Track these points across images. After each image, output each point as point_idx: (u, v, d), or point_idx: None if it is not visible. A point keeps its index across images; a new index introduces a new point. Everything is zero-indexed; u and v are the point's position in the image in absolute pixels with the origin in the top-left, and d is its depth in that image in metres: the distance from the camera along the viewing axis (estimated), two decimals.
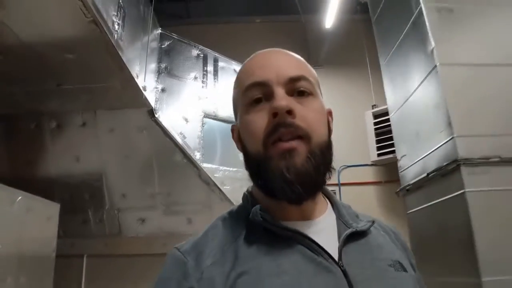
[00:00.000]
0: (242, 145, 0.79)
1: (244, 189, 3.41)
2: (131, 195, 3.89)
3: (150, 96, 3.60)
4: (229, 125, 3.50)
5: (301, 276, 0.64)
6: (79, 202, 3.92)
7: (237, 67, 4.62)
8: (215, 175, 3.87)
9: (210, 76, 4.29)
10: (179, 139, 3.71)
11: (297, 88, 0.73)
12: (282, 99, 0.69)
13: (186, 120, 3.92)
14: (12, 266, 2.55)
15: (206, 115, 4.07)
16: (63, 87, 3.21)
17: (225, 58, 4.52)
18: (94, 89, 3.28)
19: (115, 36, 2.72)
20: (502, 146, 2.49)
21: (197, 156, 3.82)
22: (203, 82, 4.20)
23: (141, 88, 3.31)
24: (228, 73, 4.51)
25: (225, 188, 3.87)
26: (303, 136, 0.69)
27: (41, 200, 3.00)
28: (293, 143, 0.68)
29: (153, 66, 3.80)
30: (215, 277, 0.64)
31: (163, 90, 3.85)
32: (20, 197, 2.69)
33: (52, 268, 3.07)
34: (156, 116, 3.59)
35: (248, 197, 0.81)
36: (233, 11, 5.58)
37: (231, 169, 4.05)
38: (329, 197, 0.85)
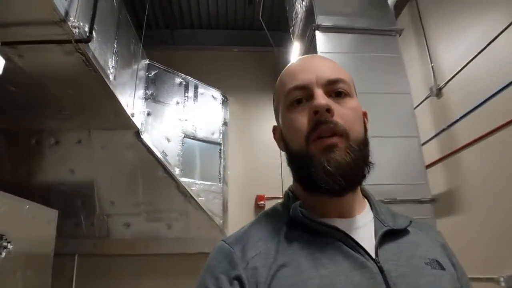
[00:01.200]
0: (284, 143, 0.83)
1: (217, 201, 4.29)
2: (119, 203, 4.51)
3: (138, 119, 4.23)
4: (206, 144, 4.21)
5: (338, 270, 0.67)
6: (72, 207, 4.52)
7: (215, 93, 5.29)
8: (192, 188, 4.50)
9: (191, 101, 4.94)
10: (161, 157, 4.34)
11: (335, 90, 0.78)
12: (322, 98, 0.74)
13: (168, 140, 4.56)
14: (21, 262, 3.15)
15: (186, 136, 4.71)
16: (63, 112, 3.83)
17: (204, 85, 5.17)
18: (89, 114, 3.90)
19: (110, 77, 3.35)
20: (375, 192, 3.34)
21: (176, 171, 4.46)
22: (184, 106, 4.84)
23: (130, 115, 3.94)
24: (207, 98, 5.17)
25: (200, 199, 4.52)
26: (341, 132, 0.73)
27: (43, 208, 3.60)
28: (333, 139, 0.72)
29: (141, 92, 4.43)
30: (259, 267, 0.69)
31: (148, 114, 4.48)
32: (28, 206, 3.30)
33: (51, 265, 3.66)
34: (142, 136, 4.21)
35: (290, 195, 0.84)
36: (214, 40, 6.26)
37: (206, 183, 4.70)
38: (367, 196, 0.88)
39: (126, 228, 4.60)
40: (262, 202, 5.39)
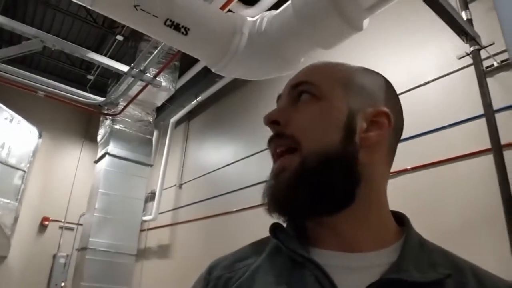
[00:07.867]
0: None
1: (10, 216, 6.49)
2: None
3: None
4: (13, 169, 5.79)
5: None
6: None
7: (32, 128, 6.68)
8: None
9: (11, 132, 6.25)
10: None
11: (299, 94, 0.66)
12: (272, 110, 0.66)
13: None
14: None
15: None
16: None
17: (26, 121, 6.54)
18: None
19: None
20: None
21: None
22: (4, 136, 6.13)
23: None
24: (25, 131, 6.54)
25: None
26: (292, 144, 0.62)
27: None
28: (282, 162, 0.63)
29: None
30: (220, 284, 0.63)
31: None
32: None
33: None
34: None
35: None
36: (48, 84, 7.64)
37: (4, 200, 6.00)
38: (407, 233, 0.64)
39: None
40: (46, 222, 6.92)
